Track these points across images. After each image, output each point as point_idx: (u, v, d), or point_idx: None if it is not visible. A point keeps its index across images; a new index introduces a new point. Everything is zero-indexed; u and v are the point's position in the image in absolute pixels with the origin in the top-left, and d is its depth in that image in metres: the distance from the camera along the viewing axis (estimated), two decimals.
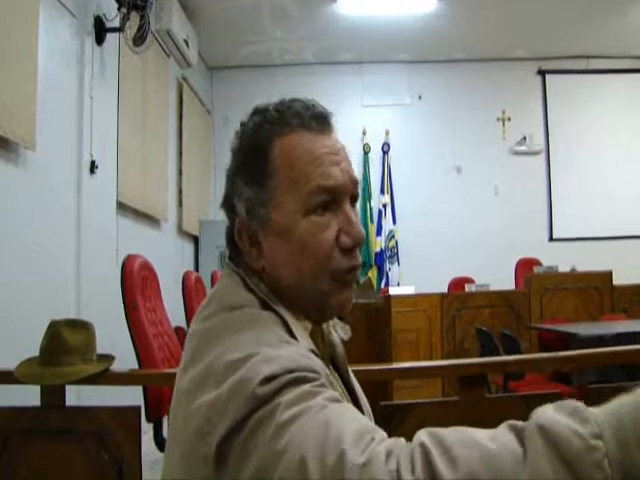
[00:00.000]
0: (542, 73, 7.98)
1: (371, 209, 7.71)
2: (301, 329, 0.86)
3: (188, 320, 3.83)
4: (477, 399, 2.04)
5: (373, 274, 7.48)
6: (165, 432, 2.56)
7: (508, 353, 3.72)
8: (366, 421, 0.67)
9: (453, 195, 7.80)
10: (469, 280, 6.10)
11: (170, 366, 2.71)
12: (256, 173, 0.89)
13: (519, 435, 0.57)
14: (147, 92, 5.19)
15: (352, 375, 1.05)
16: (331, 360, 0.99)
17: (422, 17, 6.57)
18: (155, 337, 2.70)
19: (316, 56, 7.65)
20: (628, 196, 7.69)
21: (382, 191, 7.76)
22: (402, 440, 0.62)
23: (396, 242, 7.68)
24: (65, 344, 2.00)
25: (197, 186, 7.01)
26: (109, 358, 2.10)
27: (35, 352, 2.05)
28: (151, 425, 2.54)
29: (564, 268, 5.68)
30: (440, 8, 6.38)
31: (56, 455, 2.00)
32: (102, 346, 2.16)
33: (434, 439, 0.59)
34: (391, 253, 7.65)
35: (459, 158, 7.88)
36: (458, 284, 6.24)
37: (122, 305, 2.61)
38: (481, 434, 0.59)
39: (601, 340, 3.49)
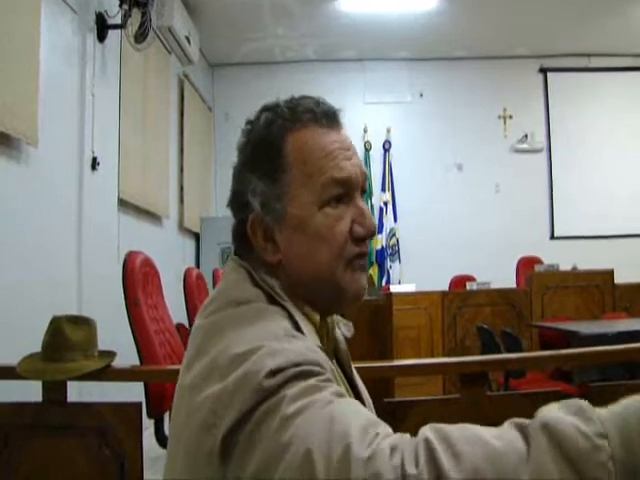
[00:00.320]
0: (543, 71, 7.97)
1: (372, 207, 7.70)
2: (308, 324, 0.87)
3: (189, 317, 3.83)
4: (478, 397, 2.04)
5: (374, 272, 7.48)
6: (166, 429, 2.57)
7: (509, 351, 3.72)
8: (371, 415, 0.67)
9: (454, 193, 7.79)
10: (470, 278, 6.10)
11: (171, 362, 2.71)
12: (270, 168, 0.90)
13: (523, 433, 0.57)
14: (148, 89, 5.19)
15: (355, 371, 1.05)
16: (334, 356, 0.99)
17: (423, 15, 6.56)
18: (156, 334, 2.71)
19: (317, 53, 7.64)
20: (630, 194, 7.68)
21: (383, 189, 7.76)
22: (407, 435, 0.62)
23: (397, 240, 7.68)
24: (67, 340, 2.01)
25: (198, 183, 7.01)
26: (110, 354, 2.10)
27: (37, 348, 2.05)
28: (152, 421, 2.54)
29: (565, 266, 5.68)
30: (441, 6, 6.37)
31: (58, 451, 2.00)
32: (103, 343, 2.16)
33: (439, 435, 0.59)
34: (392, 251, 7.65)
35: (460, 156, 7.87)
36: (459, 282, 6.24)
37: (123, 302, 2.61)
38: (486, 431, 0.60)
39: (602, 338, 3.49)
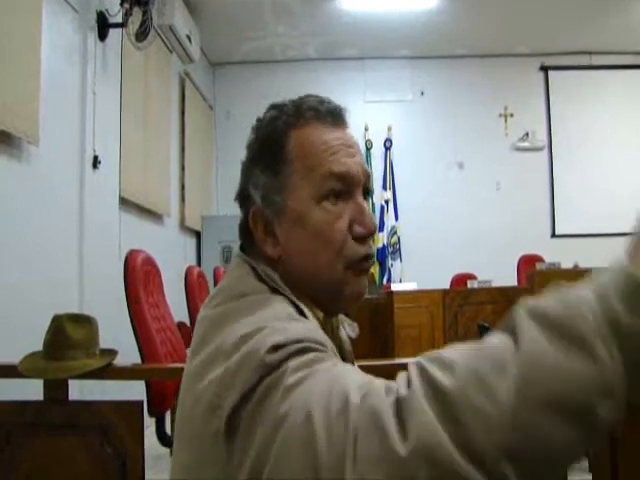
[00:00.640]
0: (544, 69, 7.96)
1: (373, 205, 7.69)
2: (312, 316, 0.87)
3: (191, 315, 3.84)
4: None
5: (375, 270, 7.47)
6: (168, 427, 2.57)
7: None
8: (372, 377, 0.66)
9: (455, 191, 7.79)
10: (471, 276, 6.10)
11: (173, 361, 2.72)
12: (272, 162, 0.91)
13: (508, 326, 0.58)
14: (149, 88, 5.19)
15: None
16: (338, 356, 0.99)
17: (424, 13, 6.55)
18: (158, 332, 2.71)
19: (318, 52, 7.64)
20: (631, 192, 7.66)
21: (384, 187, 7.76)
22: (402, 373, 0.62)
23: (398, 238, 7.68)
24: (68, 338, 2.01)
25: (199, 181, 7.01)
26: (112, 352, 2.11)
27: (39, 347, 2.06)
28: (153, 420, 2.54)
29: (567, 264, 5.67)
30: (442, 4, 6.36)
31: (59, 449, 2.00)
32: (105, 341, 2.16)
33: (430, 356, 0.60)
34: (393, 249, 7.65)
35: (461, 154, 7.87)
36: (460, 280, 6.23)
37: (125, 300, 2.62)
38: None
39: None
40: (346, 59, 7.84)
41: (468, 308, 5.17)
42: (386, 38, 7.20)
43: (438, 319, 5.16)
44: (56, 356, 2.00)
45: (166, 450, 2.63)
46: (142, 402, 2.09)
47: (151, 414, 2.46)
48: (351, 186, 0.90)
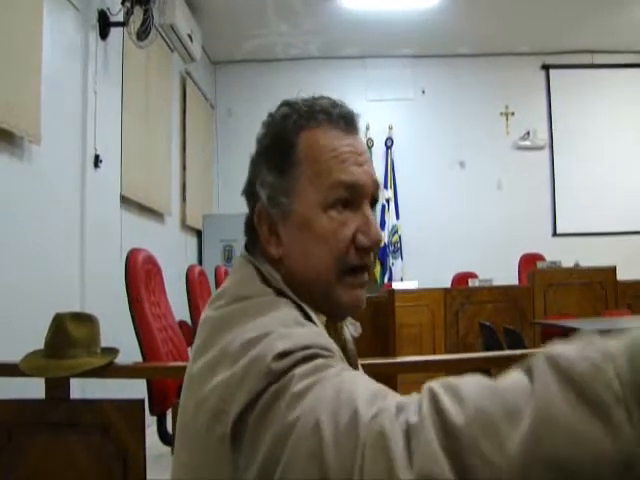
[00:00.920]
0: (546, 68, 7.96)
1: None
2: (316, 317, 0.86)
3: (192, 314, 3.84)
4: None
5: (376, 269, 7.48)
6: (169, 426, 2.57)
7: (511, 348, 3.71)
8: (379, 385, 0.66)
9: (456, 190, 7.79)
10: (472, 275, 6.10)
11: (174, 359, 2.72)
12: (280, 161, 0.90)
13: (529, 369, 0.56)
14: (151, 87, 5.19)
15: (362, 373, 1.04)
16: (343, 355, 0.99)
17: (426, 12, 6.55)
18: (159, 331, 2.71)
19: (320, 50, 7.64)
20: (632, 191, 7.67)
21: (385, 186, 7.75)
22: (414, 394, 0.61)
23: (399, 237, 7.68)
24: (69, 337, 2.01)
25: (200, 180, 7.01)
26: (113, 351, 2.11)
27: (40, 346, 2.06)
28: (155, 419, 2.54)
29: (568, 263, 5.67)
30: (444, 3, 6.36)
31: (60, 448, 2.00)
32: (106, 340, 2.16)
33: (443, 384, 0.59)
34: (394, 248, 7.65)
35: (462, 153, 7.87)
36: (461, 279, 6.24)
37: (126, 299, 2.62)
38: (492, 379, 0.58)
39: (605, 335, 3.48)
40: (348, 58, 7.84)
41: (469, 307, 5.17)
42: (388, 37, 7.20)
43: (439, 318, 5.15)
44: (57, 355, 2.00)
45: (167, 449, 2.63)
46: (143, 401, 2.09)
47: (152, 413, 2.46)
48: (359, 196, 0.89)
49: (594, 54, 7.81)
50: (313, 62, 7.77)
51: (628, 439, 0.48)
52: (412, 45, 7.58)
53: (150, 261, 2.86)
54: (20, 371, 1.98)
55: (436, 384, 0.59)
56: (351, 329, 1.04)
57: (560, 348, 0.55)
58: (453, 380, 0.59)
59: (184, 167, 6.42)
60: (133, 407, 2.04)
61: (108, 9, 4.19)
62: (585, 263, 5.70)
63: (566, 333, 4.13)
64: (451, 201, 7.72)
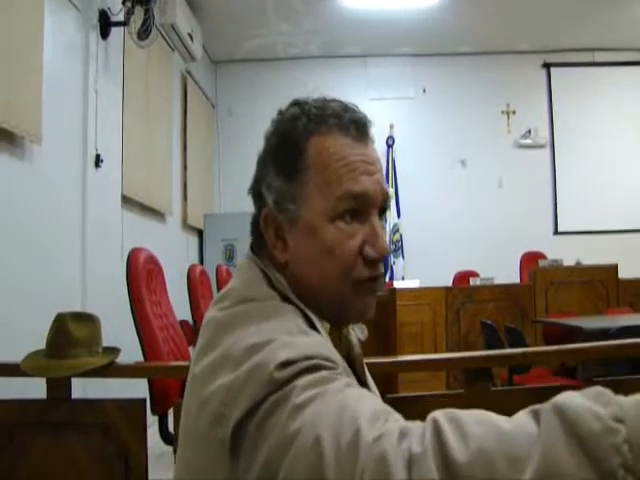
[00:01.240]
0: (547, 66, 7.95)
1: None
2: (321, 325, 0.86)
3: (193, 313, 3.84)
4: (483, 392, 2.04)
5: None
6: (170, 425, 2.57)
7: (513, 347, 3.71)
8: (383, 404, 0.66)
9: (457, 189, 7.79)
10: (473, 274, 6.09)
11: (175, 359, 2.72)
12: (288, 166, 0.88)
13: (536, 416, 0.55)
14: (151, 86, 5.19)
15: (369, 376, 1.04)
16: (348, 361, 0.98)
17: (426, 10, 6.54)
18: (160, 330, 2.71)
19: (320, 50, 7.63)
20: (634, 189, 7.67)
21: (386, 185, 7.74)
22: (418, 422, 0.61)
23: (400, 236, 7.68)
24: (71, 337, 2.01)
25: (201, 180, 7.01)
26: (115, 351, 2.10)
27: (41, 346, 2.06)
28: (156, 418, 2.54)
29: (569, 262, 5.67)
30: (444, 1, 6.35)
31: (62, 448, 2.00)
32: (107, 339, 2.16)
33: (447, 416, 0.58)
34: (395, 247, 7.65)
35: (463, 151, 7.86)
36: (463, 278, 6.23)
37: (127, 298, 2.62)
38: (498, 416, 0.58)
39: (606, 333, 3.48)
40: (348, 57, 7.83)
41: (470, 305, 5.17)
42: (388, 36, 7.20)
43: (440, 316, 5.15)
44: (59, 354, 2.00)
45: (169, 448, 2.63)
46: (145, 400, 2.09)
47: (154, 412, 2.47)
48: (367, 206, 0.88)
49: (595, 52, 7.80)
50: (313, 61, 7.77)
51: None
52: (413, 44, 7.57)
53: (151, 260, 2.85)
54: (21, 371, 1.98)
55: (441, 415, 0.59)
56: (358, 332, 1.03)
57: (570, 397, 0.54)
58: (458, 413, 0.59)
59: (185, 166, 6.42)
60: (134, 407, 2.04)
61: (109, 9, 4.19)
62: (586, 261, 5.69)
63: (567, 332, 4.13)
64: (452, 199, 7.72)
